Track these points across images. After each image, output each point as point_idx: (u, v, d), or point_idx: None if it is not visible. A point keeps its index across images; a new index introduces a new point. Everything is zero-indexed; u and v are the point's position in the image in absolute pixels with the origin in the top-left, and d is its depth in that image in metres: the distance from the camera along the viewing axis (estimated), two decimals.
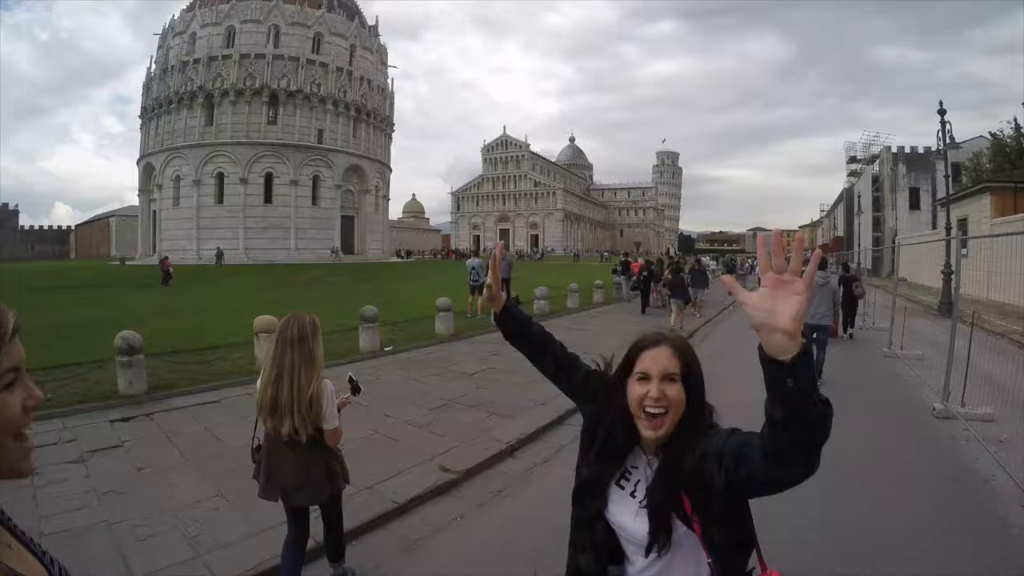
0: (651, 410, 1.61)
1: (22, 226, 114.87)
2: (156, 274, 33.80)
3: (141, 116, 62.48)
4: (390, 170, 69.46)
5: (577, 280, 24.29)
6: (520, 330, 2.19)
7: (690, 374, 1.65)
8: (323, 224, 58.17)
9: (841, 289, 14.42)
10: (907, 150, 51.56)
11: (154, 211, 59.96)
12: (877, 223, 53.96)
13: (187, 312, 19.21)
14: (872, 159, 57.88)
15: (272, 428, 3.42)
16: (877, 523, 4.75)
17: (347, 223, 60.84)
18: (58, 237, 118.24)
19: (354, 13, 63.95)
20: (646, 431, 1.64)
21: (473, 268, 18.92)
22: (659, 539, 1.60)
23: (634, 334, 1.88)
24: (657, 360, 1.65)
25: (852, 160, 64.01)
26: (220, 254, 47.10)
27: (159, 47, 61.92)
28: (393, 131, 69.77)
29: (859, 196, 56.10)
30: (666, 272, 20.92)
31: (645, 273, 22.29)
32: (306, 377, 3.33)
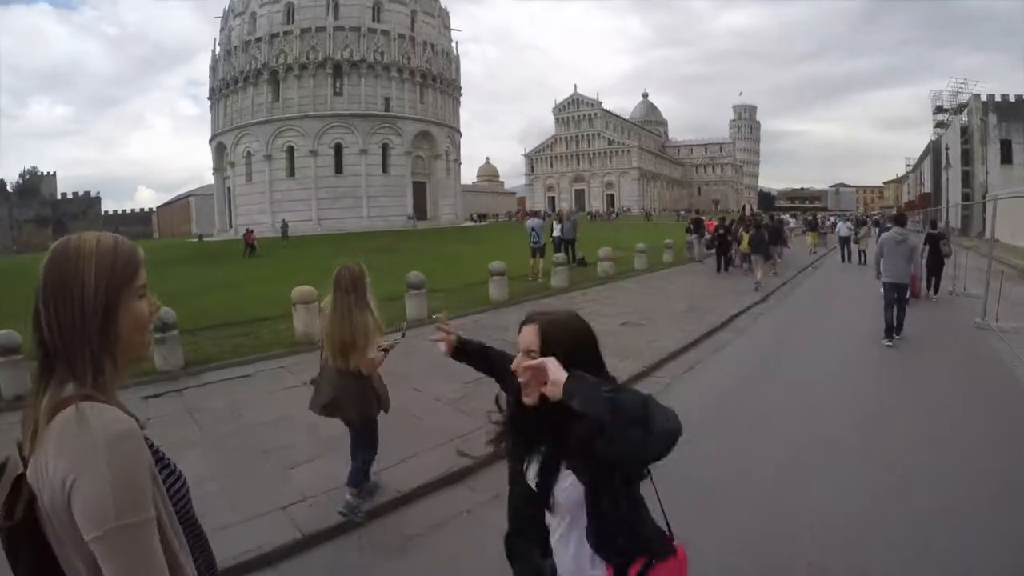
0: (519, 379, 1.72)
1: (106, 211, 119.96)
2: (235, 248, 34.80)
3: (210, 97, 63.70)
4: (460, 134, 68.69)
5: (648, 239, 23.30)
6: (480, 361, 2.46)
7: (555, 350, 1.68)
8: (394, 191, 58.19)
9: (927, 248, 14.34)
10: (998, 99, 46.88)
11: (228, 188, 61.45)
12: (966, 178, 49.26)
13: (253, 283, 19.33)
14: (960, 108, 52.85)
15: (329, 358, 4.10)
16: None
17: (419, 189, 60.64)
18: (141, 219, 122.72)
19: None
20: (522, 399, 1.77)
21: (533, 229, 18.22)
22: (547, 501, 1.78)
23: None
24: (524, 337, 1.78)
25: (938, 110, 58.88)
26: (285, 226, 47.14)
27: (221, 29, 62.69)
28: (461, 95, 68.76)
29: (947, 148, 51.77)
30: (741, 230, 20.62)
31: (722, 231, 21.26)
32: (359, 315, 3.97)
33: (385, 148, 57.74)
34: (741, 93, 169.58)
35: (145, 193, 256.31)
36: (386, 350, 4.07)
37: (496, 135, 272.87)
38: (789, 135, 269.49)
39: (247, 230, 37.97)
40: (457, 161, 67.65)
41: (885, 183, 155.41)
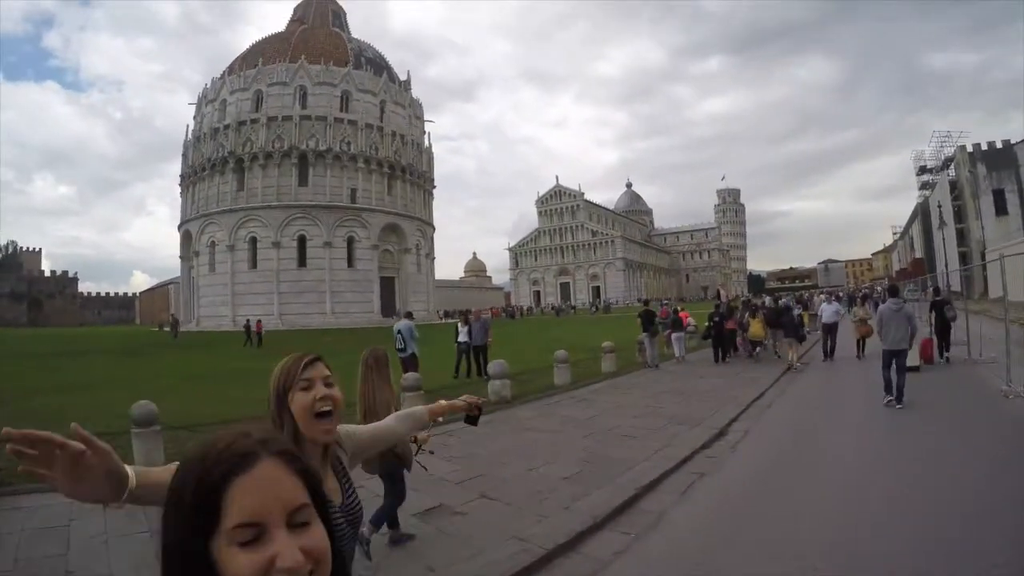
0: None
1: (88, 293, 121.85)
2: (163, 339, 36.05)
3: (180, 184, 62.91)
4: (432, 228, 67.72)
5: (603, 338, 19.36)
6: None
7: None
8: (361, 287, 56.23)
9: (933, 314, 15.50)
10: (984, 147, 45.79)
11: (193, 278, 59.58)
12: (962, 236, 48.33)
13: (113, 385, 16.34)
14: (946, 163, 52.69)
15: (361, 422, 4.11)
16: None
17: (387, 284, 58.76)
18: (124, 303, 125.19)
19: (382, 69, 62.96)
20: None
21: (399, 332, 14.33)
22: None
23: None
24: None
25: (923, 171, 59.32)
26: (248, 326, 42.40)
27: (194, 116, 62.58)
28: (433, 187, 68.24)
29: (939, 206, 50.13)
30: (747, 315, 19.87)
31: (717, 317, 19.53)
32: (380, 389, 4.51)
33: (351, 241, 56.40)
34: (724, 177, 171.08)
35: (140, 278, 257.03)
36: (418, 442, 4.59)
37: (489, 230, 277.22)
38: (776, 215, 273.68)
39: (257, 320, 36.94)
40: (430, 256, 66.52)
41: (874, 254, 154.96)
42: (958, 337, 15.44)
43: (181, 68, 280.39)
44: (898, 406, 9.98)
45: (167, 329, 44.91)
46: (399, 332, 14.33)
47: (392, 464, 4.81)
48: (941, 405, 10.36)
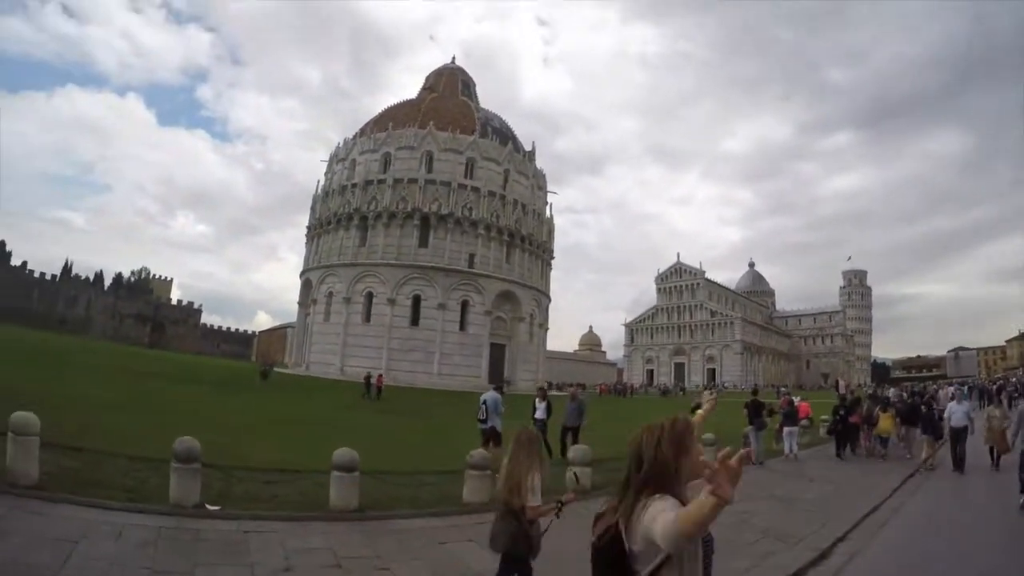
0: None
1: (211, 325, 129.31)
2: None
3: (307, 234, 65.75)
4: (548, 299, 67.23)
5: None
6: None
7: None
8: (470, 351, 56.21)
9: None
10: None
11: (308, 324, 61.53)
12: None
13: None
14: None
15: (499, 496, 4.65)
16: None
17: (497, 351, 58.35)
18: (243, 340, 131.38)
19: (507, 138, 64.07)
20: None
21: (484, 403, 13.51)
22: None
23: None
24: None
25: None
26: (368, 378, 41.05)
27: (325, 173, 65.74)
28: (552, 258, 68.08)
29: None
30: (877, 410, 18.82)
31: (842, 412, 18.90)
32: (524, 467, 4.43)
33: (464, 305, 56.62)
34: (850, 258, 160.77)
35: (262, 318, 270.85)
36: (561, 504, 4.34)
37: (608, 304, 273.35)
38: (904, 299, 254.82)
39: (376, 372, 37.98)
40: (543, 326, 66.08)
41: (1008, 341, 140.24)
42: None
43: (320, 127, 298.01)
44: None
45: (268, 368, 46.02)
46: (484, 403, 13.49)
47: (520, 549, 4.52)
48: None
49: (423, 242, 56.15)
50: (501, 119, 68.04)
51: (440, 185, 56.88)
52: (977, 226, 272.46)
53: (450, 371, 53.74)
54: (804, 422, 20.22)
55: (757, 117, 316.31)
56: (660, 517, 2.14)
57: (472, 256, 56.81)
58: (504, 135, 64.06)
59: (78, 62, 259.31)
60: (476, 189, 57.72)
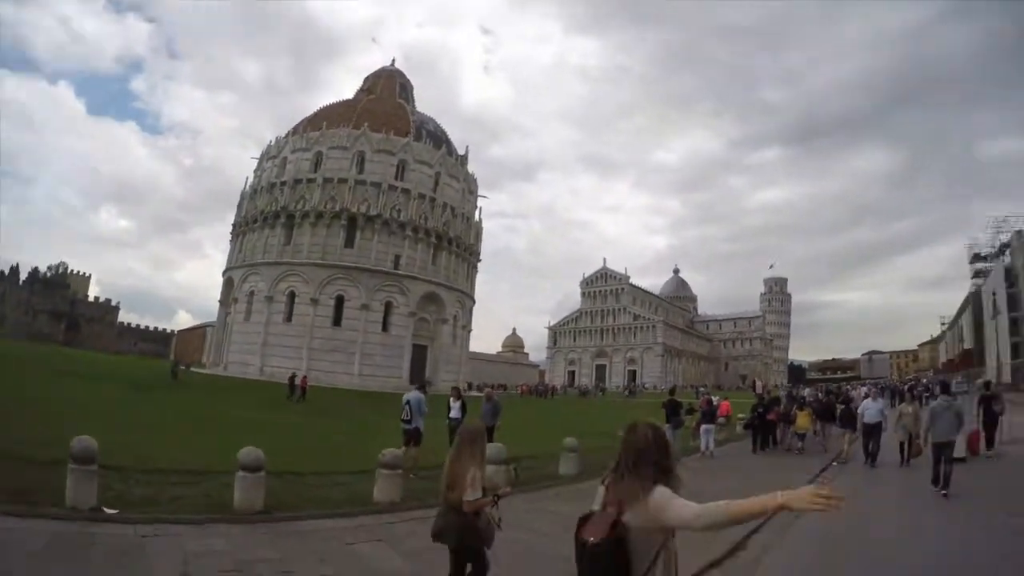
0: None
1: (128, 323, 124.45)
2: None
3: (232, 232, 64.39)
4: (473, 301, 67.63)
5: (616, 426, 17.37)
6: None
7: None
8: (392, 352, 56.12)
9: (981, 408, 15.67)
10: None
11: (228, 323, 60.39)
12: (1015, 325, 45.98)
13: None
14: (1002, 249, 50.88)
15: (444, 494, 4.75)
16: None
17: (419, 352, 58.47)
18: (160, 338, 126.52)
19: (442, 142, 64.17)
20: None
21: (407, 403, 13.30)
22: None
23: None
24: None
25: (977, 258, 57.06)
26: (292, 379, 40.31)
27: (255, 170, 64.37)
28: (479, 261, 68.59)
29: (994, 295, 47.93)
30: (794, 408, 20.12)
31: (761, 408, 20.19)
32: (467, 462, 4.61)
33: (388, 306, 56.54)
34: (772, 266, 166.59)
35: (183, 316, 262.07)
36: (498, 496, 4.63)
37: (533, 308, 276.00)
38: (822, 306, 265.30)
39: (302, 375, 37.93)
40: (467, 328, 66.32)
41: (920, 345, 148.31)
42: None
43: (255, 124, 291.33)
44: (943, 492, 10.59)
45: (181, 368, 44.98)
46: (407, 403, 13.34)
47: (474, 542, 4.70)
48: (992, 494, 10.93)
49: (349, 242, 55.78)
50: (436, 123, 67.94)
51: (370, 186, 56.59)
52: (898, 239, 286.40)
53: (371, 372, 53.67)
54: (721, 420, 22.10)
55: (690, 131, 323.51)
56: (685, 505, 2.64)
57: (398, 257, 56.76)
58: (438, 139, 64.08)
59: (12, 46, 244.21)
60: (407, 191, 57.67)
